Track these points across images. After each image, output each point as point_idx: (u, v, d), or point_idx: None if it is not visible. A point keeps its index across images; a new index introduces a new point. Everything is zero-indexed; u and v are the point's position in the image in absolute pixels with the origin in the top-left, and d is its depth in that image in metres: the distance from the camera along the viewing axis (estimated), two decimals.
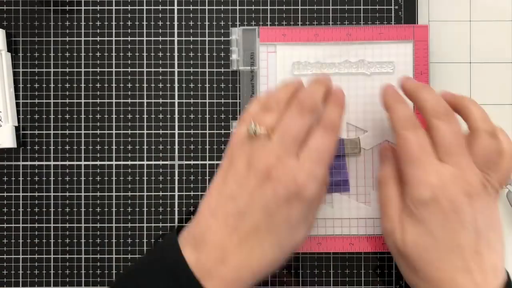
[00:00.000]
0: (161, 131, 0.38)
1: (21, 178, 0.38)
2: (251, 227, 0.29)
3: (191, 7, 0.38)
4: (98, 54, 0.38)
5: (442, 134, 0.30)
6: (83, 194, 0.38)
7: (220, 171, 0.31)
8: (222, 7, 0.38)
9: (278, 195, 0.28)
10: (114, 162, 0.38)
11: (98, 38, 0.38)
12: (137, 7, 0.38)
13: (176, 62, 0.38)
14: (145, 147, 0.38)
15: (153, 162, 0.38)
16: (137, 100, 0.38)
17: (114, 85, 0.38)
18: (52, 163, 0.38)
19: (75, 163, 0.38)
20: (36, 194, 0.38)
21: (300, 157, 0.29)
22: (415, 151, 0.30)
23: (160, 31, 0.38)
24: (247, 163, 0.29)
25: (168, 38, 0.38)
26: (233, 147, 0.31)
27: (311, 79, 0.32)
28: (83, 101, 0.38)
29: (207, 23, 0.38)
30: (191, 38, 0.38)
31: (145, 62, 0.38)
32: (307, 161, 0.29)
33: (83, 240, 0.38)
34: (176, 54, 0.38)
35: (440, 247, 0.30)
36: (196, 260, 0.28)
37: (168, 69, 0.38)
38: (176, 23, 0.38)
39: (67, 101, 0.38)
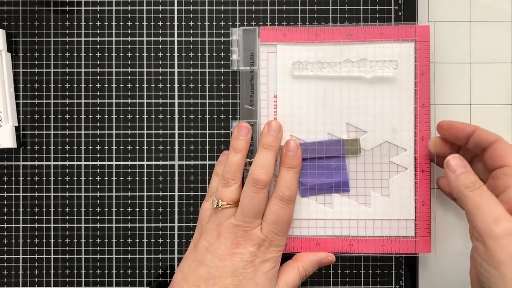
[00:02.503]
0: (161, 131, 0.38)
1: (21, 178, 0.38)
2: None
3: (191, 7, 0.38)
4: (98, 54, 0.38)
5: None
6: (83, 194, 0.38)
7: (191, 243, 0.35)
8: (222, 7, 0.38)
9: (246, 260, 0.32)
10: (114, 162, 0.38)
11: (98, 38, 0.38)
12: (137, 7, 0.38)
13: (176, 62, 0.38)
14: (145, 147, 0.38)
15: (153, 162, 0.38)
16: (137, 100, 0.38)
17: (114, 85, 0.38)
18: (52, 163, 0.38)
19: (75, 163, 0.38)
20: (36, 194, 0.38)
21: (263, 227, 0.33)
22: None
23: (160, 31, 0.38)
24: (217, 233, 0.33)
25: (168, 38, 0.38)
26: (202, 221, 0.35)
27: (261, 138, 0.35)
28: (83, 101, 0.38)
29: (207, 23, 0.38)
30: (191, 38, 0.38)
31: (145, 62, 0.38)
32: (269, 234, 0.33)
33: (83, 240, 0.38)
34: (176, 54, 0.38)
35: None
36: None
37: (168, 69, 0.38)
38: (176, 23, 0.38)
39: (67, 101, 0.38)
